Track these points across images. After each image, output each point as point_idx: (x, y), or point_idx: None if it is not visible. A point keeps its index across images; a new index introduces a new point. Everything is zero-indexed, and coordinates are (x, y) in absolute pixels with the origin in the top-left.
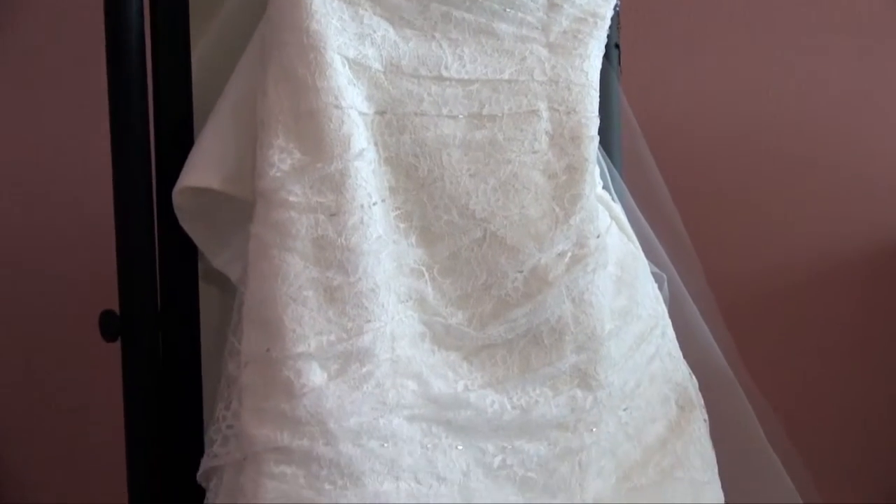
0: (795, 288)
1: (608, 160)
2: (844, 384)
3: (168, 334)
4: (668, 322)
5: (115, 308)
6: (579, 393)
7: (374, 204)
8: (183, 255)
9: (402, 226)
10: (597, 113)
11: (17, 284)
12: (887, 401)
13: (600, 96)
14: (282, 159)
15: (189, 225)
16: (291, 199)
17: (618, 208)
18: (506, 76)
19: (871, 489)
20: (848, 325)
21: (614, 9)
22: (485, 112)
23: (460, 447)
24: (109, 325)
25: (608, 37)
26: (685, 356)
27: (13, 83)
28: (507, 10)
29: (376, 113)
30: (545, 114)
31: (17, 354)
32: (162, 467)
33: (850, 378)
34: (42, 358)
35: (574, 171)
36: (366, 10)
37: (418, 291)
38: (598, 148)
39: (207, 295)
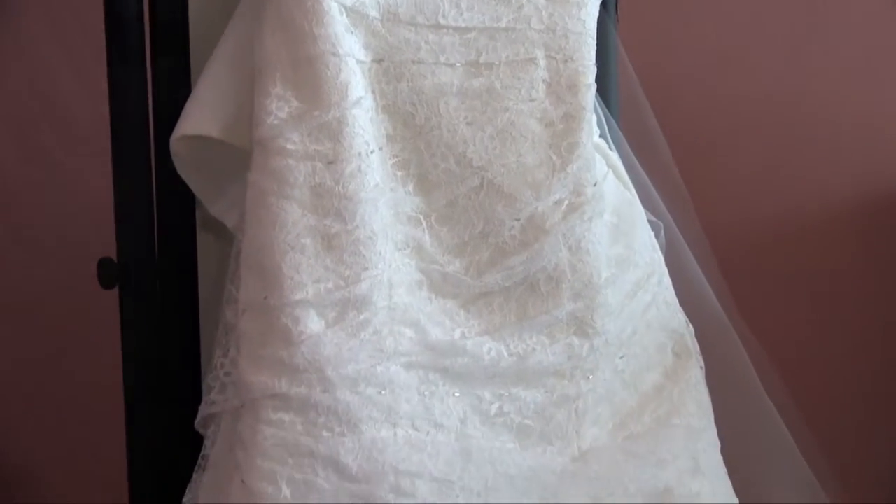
0: (792, 235)
1: (605, 108)
2: (840, 331)
3: (166, 282)
4: (665, 270)
5: (113, 256)
6: (576, 341)
7: (372, 152)
8: (181, 204)
9: (399, 174)
10: (594, 61)
11: (16, 233)
12: (883, 349)
13: (597, 44)
14: (279, 107)
15: (187, 173)
16: (289, 146)
17: (615, 156)
18: (503, 24)
19: (866, 438)
20: (845, 273)
21: None
22: (482, 60)
23: (457, 394)
24: (107, 273)
25: None
26: (681, 304)
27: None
28: None
29: (374, 61)
30: (542, 62)
31: (14, 307)
32: (160, 415)
33: (846, 325)
34: (40, 307)
35: (571, 120)
36: None
37: (416, 239)
38: (595, 96)
39: (205, 243)
